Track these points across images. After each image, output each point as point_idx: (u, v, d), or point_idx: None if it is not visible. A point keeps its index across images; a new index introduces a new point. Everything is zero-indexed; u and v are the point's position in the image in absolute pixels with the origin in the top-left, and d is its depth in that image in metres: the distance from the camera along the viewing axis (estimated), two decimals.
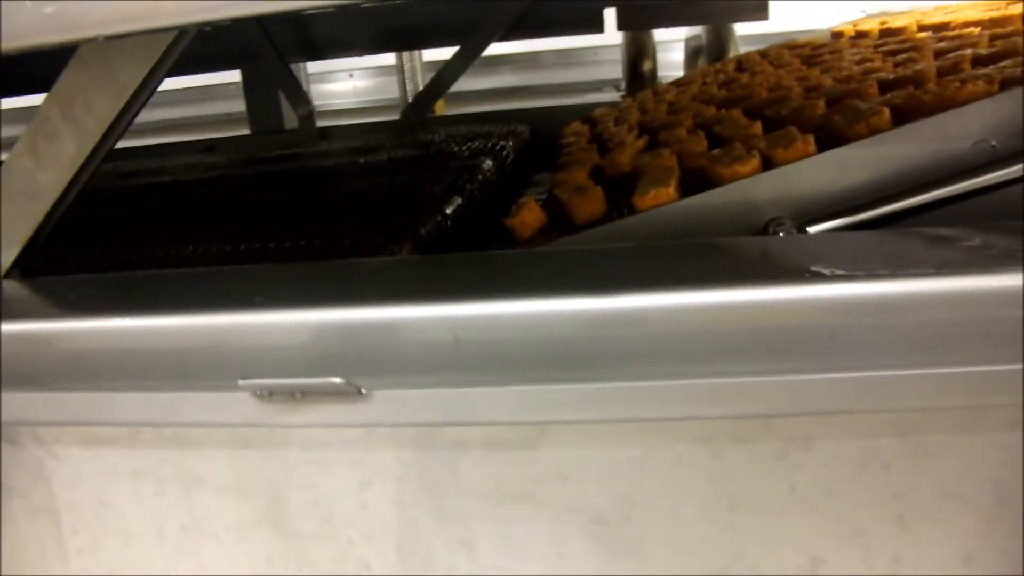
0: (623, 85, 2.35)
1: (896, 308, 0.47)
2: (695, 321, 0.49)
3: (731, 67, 1.39)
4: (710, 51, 2.24)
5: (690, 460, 0.53)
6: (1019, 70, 0.68)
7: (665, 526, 0.55)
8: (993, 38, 0.90)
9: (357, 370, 0.50)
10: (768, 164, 0.68)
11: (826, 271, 0.49)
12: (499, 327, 0.50)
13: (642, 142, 0.96)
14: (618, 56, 2.51)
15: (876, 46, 1.11)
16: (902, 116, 0.67)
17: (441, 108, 2.83)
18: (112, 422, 0.59)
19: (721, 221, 0.70)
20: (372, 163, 1.44)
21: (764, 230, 0.69)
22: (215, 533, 0.61)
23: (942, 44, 0.93)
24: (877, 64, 0.91)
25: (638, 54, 2.26)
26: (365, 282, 0.56)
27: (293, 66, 2.06)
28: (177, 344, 0.54)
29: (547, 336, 0.49)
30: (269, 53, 1.94)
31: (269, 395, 0.51)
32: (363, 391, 0.50)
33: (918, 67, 0.79)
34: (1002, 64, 0.74)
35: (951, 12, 1.21)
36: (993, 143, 0.65)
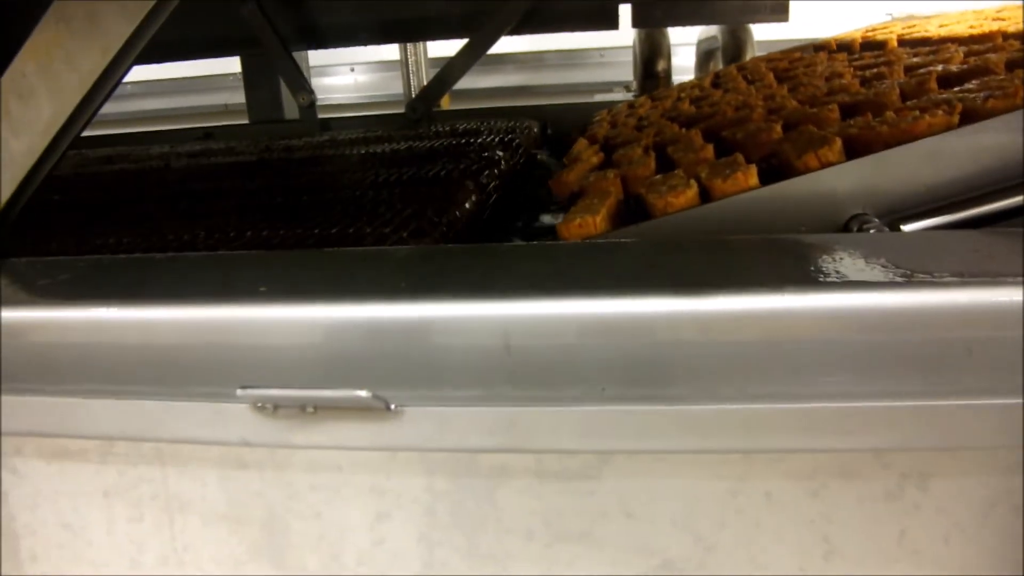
0: (634, 85, 2.27)
1: None
2: (801, 329, 0.40)
3: (708, 82, 1.36)
4: (726, 52, 2.16)
5: (783, 497, 0.44)
6: (981, 95, 0.61)
7: (748, 575, 0.46)
8: (968, 55, 0.86)
9: (384, 381, 0.41)
10: (706, 196, 0.62)
11: (958, 277, 0.40)
12: (560, 332, 0.40)
13: (596, 159, 0.93)
14: (624, 58, 2.43)
15: (851, 60, 1.08)
16: (856, 146, 0.62)
17: (446, 104, 2.74)
18: (82, 434, 0.49)
19: (796, 215, 0.61)
20: (380, 155, 1.34)
21: (845, 228, 0.61)
22: (201, 567, 0.52)
23: (916, 59, 0.90)
24: (845, 81, 0.88)
25: (652, 53, 2.17)
26: (396, 273, 0.46)
27: (295, 57, 1.97)
28: (161, 341, 0.45)
29: (619, 344, 0.40)
30: (270, 39, 1.85)
31: (274, 408, 0.42)
32: (392, 407, 0.40)
33: (881, 87, 0.75)
34: (966, 86, 0.68)
35: (943, 26, 1.17)
36: None
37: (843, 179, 0.60)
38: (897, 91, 0.72)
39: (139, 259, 0.61)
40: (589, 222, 0.62)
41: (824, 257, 0.45)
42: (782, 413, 0.40)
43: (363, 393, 0.39)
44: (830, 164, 0.61)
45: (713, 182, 0.62)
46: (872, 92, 0.74)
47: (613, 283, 0.41)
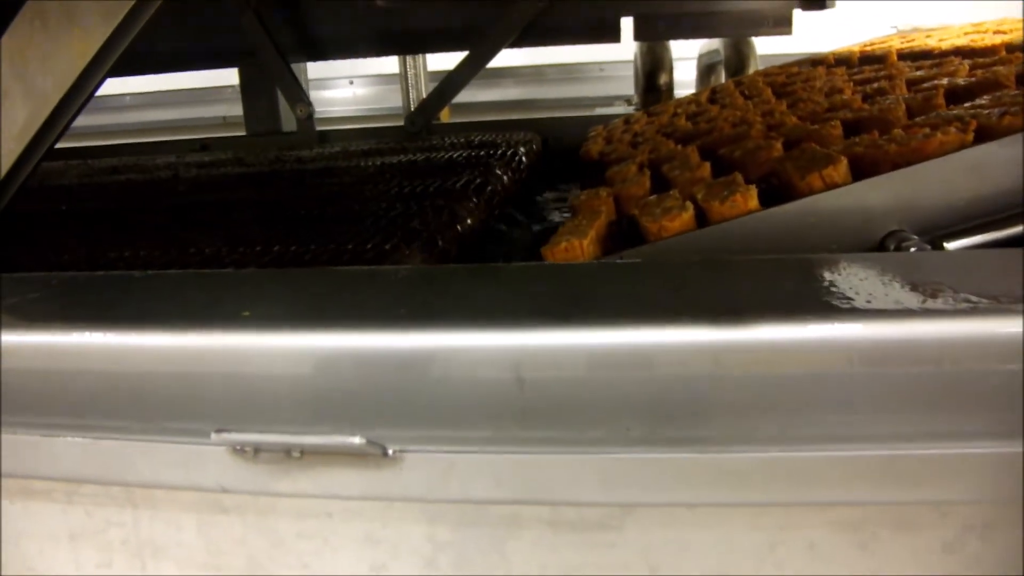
0: (635, 99, 2.24)
1: None
2: (853, 364, 0.35)
3: (705, 97, 1.33)
4: (728, 65, 2.13)
5: (828, 549, 0.39)
6: (996, 111, 0.57)
7: None
8: (974, 67, 0.82)
9: (381, 421, 0.36)
10: (703, 219, 0.58)
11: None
12: (580, 365, 0.36)
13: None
14: (624, 72, 2.40)
15: (850, 74, 1.04)
16: (863, 166, 0.58)
17: (446, 117, 2.71)
18: (44, 475, 0.44)
19: (824, 234, 0.57)
20: (397, 166, 1.30)
21: (880, 246, 0.56)
22: None
23: (919, 73, 0.86)
24: (846, 96, 0.83)
25: (654, 67, 2.14)
26: (396, 297, 0.41)
27: (293, 69, 1.94)
28: (131, 373, 0.40)
29: (647, 379, 0.35)
30: (268, 50, 1.82)
31: (255, 452, 0.37)
32: (390, 452, 0.36)
33: (886, 103, 0.70)
34: (978, 102, 0.64)
35: (942, 40, 1.14)
36: None
37: (877, 194, 0.56)
38: (903, 107, 0.68)
39: (117, 276, 0.57)
40: (576, 246, 0.57)
41: (871, 280, 0.40)
42: (830, 461, 0.35)
43: (356, 440, 0.35)
44: (836, 185, 0.56)
45: (711, 204, 0.57)
46: (877, 108, 0.69)
47: (639, 309, 0.37)
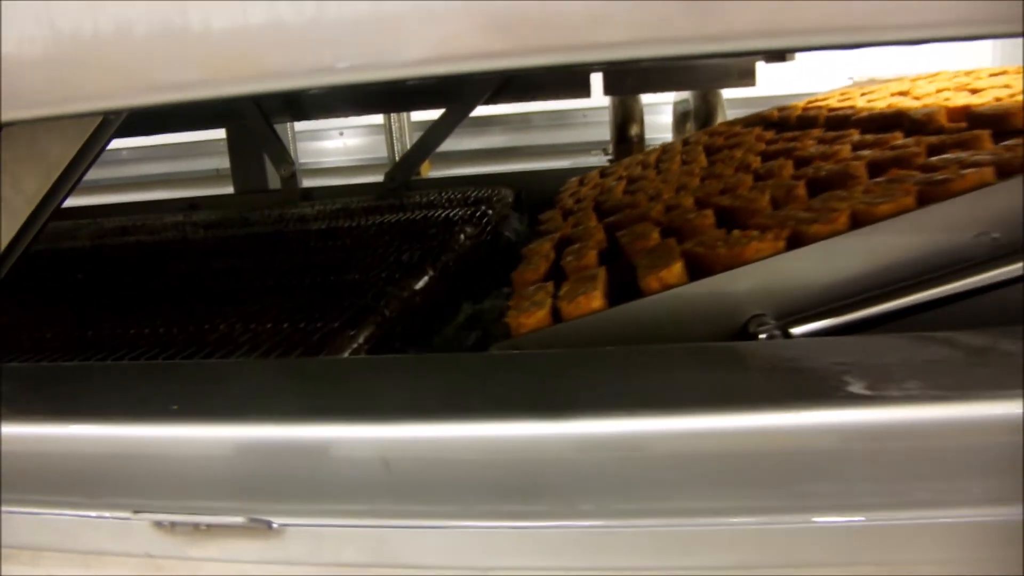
0: (611, 148, 2.34)
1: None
2: (686, 451, 0.43)
3: (654, 158, 1.38)
4: (698, 115, 2.23)
5: None
6: (808, 218, 0.65)
7: None
8: (857, 147, 0.87)
9: (269, 498, 0.44)
10: (557, 315, 0.63)
11: (867, 391, 0.43)
12: (437, 449, 0.44)
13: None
14: (606, 118, 2.51)
15: (768, 143, 1.10)
16: (701, 264, 0.64)
17: (427, 168, 2.80)
18: (9, 544, 0.52)
19: (700, 316, 0.64)
20: (343, 230, 1.38)
21: (745, 328, 0.64)
22: None
23: (813, 149, 0.93)
24: (743, 176, 0.89)
25: (625, 119, 2.24)
26: (297, 392, 0.50)
27: (281, 124, 2.03)
28: (75, 457, 0.48)
29: (490, 464, 0.43)
30: (253, 113, 1.91)
31: (172, 526, 0.45)
32: (274, 525, 0.43)
33: (762, 191, 0.76)
34: (811, 203, 0.70)
35: (870, 100, 1.20)
36: (995, 235, 0.60)
37: (742, 281, 0.63)
38: (767, 198, 0.74)
39: (79, 368, 0.65)
40: None
41: (716, 369, 0.48)
42: (666, 531, 0.43)
43: (240, 519, 0.43)
44: (671, 286, 0.62)
45: (561, 304, 0.62)
46: (746, 198, 0.76)
47: (488, 402, 0.45)
